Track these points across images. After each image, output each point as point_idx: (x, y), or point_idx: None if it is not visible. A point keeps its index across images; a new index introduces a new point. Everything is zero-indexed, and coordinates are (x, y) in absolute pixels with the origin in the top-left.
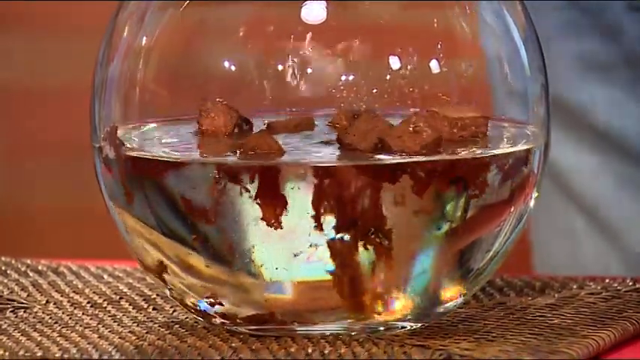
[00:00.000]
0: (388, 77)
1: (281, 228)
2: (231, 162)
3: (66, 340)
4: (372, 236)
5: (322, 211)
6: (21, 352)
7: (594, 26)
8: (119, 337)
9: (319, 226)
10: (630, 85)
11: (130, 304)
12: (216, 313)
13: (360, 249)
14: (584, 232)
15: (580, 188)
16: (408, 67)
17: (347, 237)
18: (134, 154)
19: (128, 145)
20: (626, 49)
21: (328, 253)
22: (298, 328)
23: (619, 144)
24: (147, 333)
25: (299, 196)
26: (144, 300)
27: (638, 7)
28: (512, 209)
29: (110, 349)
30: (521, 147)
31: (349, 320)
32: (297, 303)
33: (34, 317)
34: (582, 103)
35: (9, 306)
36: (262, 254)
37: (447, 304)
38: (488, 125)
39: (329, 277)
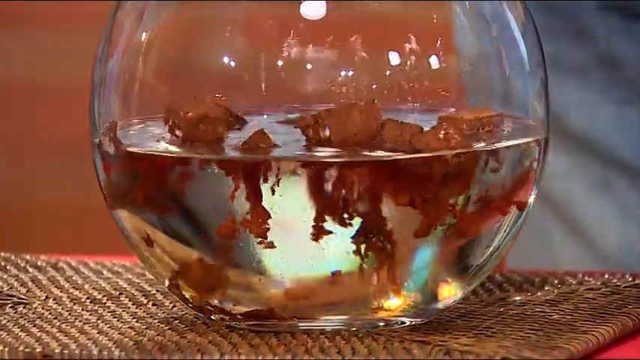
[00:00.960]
0: (388, 73)
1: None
2: (233, 157)
3: (65, 336)
4: (372, 233)
5: (322, 207)
6: (20, 348)
7: (566, 27)
8: (119, 333)
9: (319, 223)
10: (604, 88)
11: (129, 300)
12: (215, 307)
13: (360, 245)
14: (559, 234)
15: (554, 191)
16: (408, 62)
17: (346, 232)
18: (134, 149)
19: (127, 141)
20: (599, 50)
21: (328, 249)
22: (298, 324)
23: (593, 147)
24: (146, 329)
25: (299, 192)
26: (143, 296)
27: (609, 7)
28: (512, 205)
29: (110, 345)
30: (520, 142)
31: (349, 316)
32: (297, 299)
33: (33, 313)
34: (556, 106)
35: (8, 302)
36: (262, 250)
37: (447, 300)
38: (503, 122)
39: (329, 272)
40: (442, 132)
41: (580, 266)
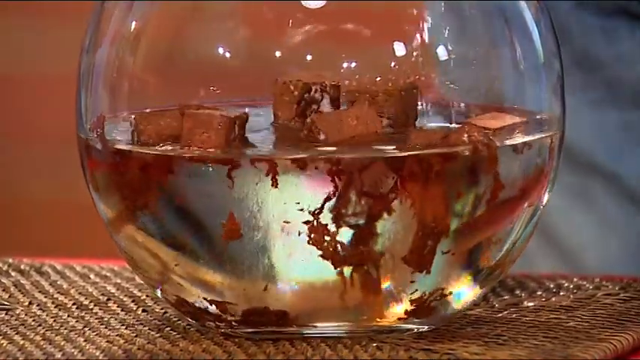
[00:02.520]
0: (393, 64)
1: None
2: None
3: (50, 344)
4: (378, 234)
5: (327, 207)
6: (2, 357)
7: None
8: (106, 341)
9: (321, 223)
10: (581, 90)
11: (118, 306)
12: (211, 313)
13: (366, 246)
14: (535, 246)
15: None
16: (414, 53)
17: (351, 233)
18: (123, 146)
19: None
20: (575, 50)
21: (331, 251)
22: (298, 331)
23: (569, 152)
24: (136, 336)
25: (299, 191)
26: (133, 301)
27: (585, 6)
28: (525, 204)
29: (97, 354)
30: (534, 138)
31: (352, 322)
32: (297, 303)
33: (16, 319)
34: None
35: None
36: (262, 253)
37: (456, 306)
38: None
39: (331, 276)
40: (466, 134)
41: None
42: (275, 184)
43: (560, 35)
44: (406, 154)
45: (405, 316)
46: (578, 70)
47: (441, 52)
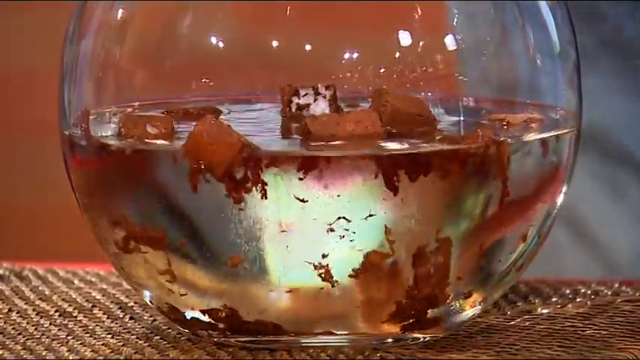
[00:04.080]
0: (397, 55)
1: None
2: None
3: (31, 354)
4: (385, 236)
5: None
6: None
7: (574, 7)
8: (91, 351)
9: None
10: (611, 76)
11: (103, 313)
12: (203, 321)
13: (370, 250)
14: (566, 241)
15: None
16: (420, 43)
17: (355, 236)
18: (109, 141)
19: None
20: (607, 34)
21: (334, 257)
22: (296, 340)
23: (601, 143)
24: (123, 346)
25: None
26: (119, 308)
27: None
28: (538, 205)
29: None
30: (549, 134)
31: (354, 331)
32: (296, 311)
33: None
34: None
35: None
36: (259, 259)
37: (465, 313)
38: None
39: (333, 282)
40: (480, 136)
41: (585, 273)
42: (265, 195)
43: (593, 17)
44: (407, 152)
45: (411, 325)
46: (609, 55)
47: (449, 42)
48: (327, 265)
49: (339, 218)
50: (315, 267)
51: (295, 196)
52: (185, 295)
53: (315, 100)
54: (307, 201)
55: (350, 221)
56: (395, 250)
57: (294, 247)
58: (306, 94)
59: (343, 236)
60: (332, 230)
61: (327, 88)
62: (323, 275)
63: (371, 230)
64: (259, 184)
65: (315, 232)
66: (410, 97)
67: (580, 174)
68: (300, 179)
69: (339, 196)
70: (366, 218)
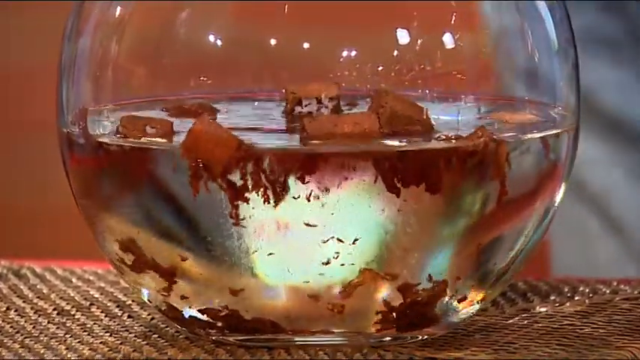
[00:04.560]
0: (395, 53)
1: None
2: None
3: (29, 352)
4: (384, 239)
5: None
6: None
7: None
8: (89, 349)
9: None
10: (630, 63)
11: (101, 311)
12: (201, 319)
13: (366, 247)
14: (597, 231)
15: (588, 182)
16: (419, 41)
17: (352, 232)
18: (107, 140)
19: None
20: (629, 20)
21: (332, 253)
22: (294, 338)
23: (629, 131)
24: (121, 344)
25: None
26: (117, 306)
27: None
28: (537, 203)
29: None
30: (546, 133)
31: (351, 329)
32: (293, 309)
33: None
34: (587, 85)
35: None
36: (259, 255)
37: (463, 311)
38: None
39: (330, 279)
40: (478, 135)
41: (618, 266)
42: (267, 200)
43: (616, 5)
44: (404, 149)
45: (409, 323)
46: (630, 42)
47: (447, 40)
48: (327, 264)
49: (339, 219)
50: (315, 267)
51: (294, 196)
52: (186, 297)
53: (317, 110)
54: (306, 201)
55: (350, 222)
56: (395, 253)
57: (293, 247)
58: (308, 104)
59: (342, 239)
60: (332, 231)
61: (330, 99)
62: (322, 275)
63: (371, 232)
64: (258, 184)
65: (314, 233)
66: (410, 101)
67: (610, 162)
68: (298, 178)
69: (338, 195)
70: (365, 219)
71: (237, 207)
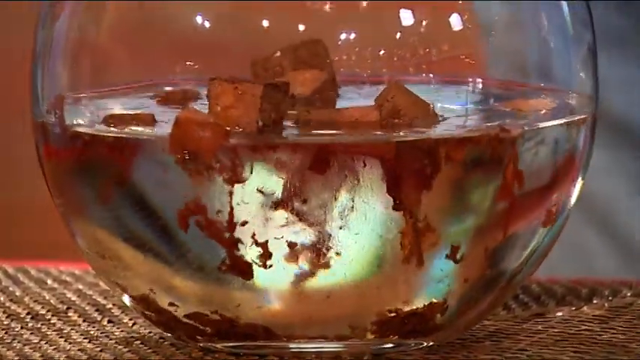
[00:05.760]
0: (398, 36)
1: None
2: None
3: None
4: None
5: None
6: None
7: None
8: (66, 357)
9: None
10: None
11: (79, 316)
12: (187, 324)
13: (366, 248)
14: (595, 242)
15: (589, 191)
16: (423, 23)
17: (352, 230)
18: (86, 129)
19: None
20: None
21: (331, 253)
22: (288, 345)
23: (629, 134)
24: (101, 351)
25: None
26: (97, 310)
27: None
28: (552, 198)
29: None
30: (562, 121)
31: (350, 335)
32: (289, 314)
33: None
34: None
35: None
36: (249, 255)
37: (472, 316)
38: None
39: (329, 281)
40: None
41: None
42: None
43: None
44: (412, 139)
45: (413, 329)
46: (638, 38)
47: (455, 22)
48: (323, 263)
49: (339, 213)
50: (310, 266)
51: (288, 190)
52: (172, 304)
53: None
54: (302, 194)
55: (351, 217)
56: (405, 247)
57: (288, 245)
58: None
59: (341, 239)
60: (331, 230)
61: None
62: (319, 277)
63: (371, 232)
64: (246, 174)
65: (311, 232)
66: (415, 99)
67: (613, 170)
68: (292, 169)
69: (336, 188)
70: (365, 218)
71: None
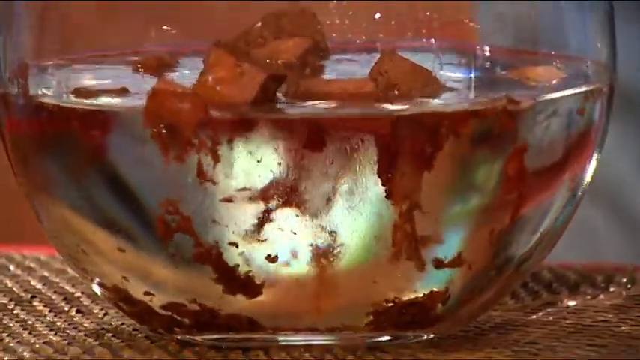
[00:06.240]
0: None
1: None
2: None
3: None
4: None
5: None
6: None
7: None
8: (31, 350)
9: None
10: None
11: (45, 306)
12: (163, 315)
13: (364, 230)
14: (601, 223)
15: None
16: None
17: (347, 214)
18: (52, 100)
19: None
20: None
21: (323, 238)
22: (275, 338)
23: (637, 113)
24: (69, 344)
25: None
26: (64, 300)
27: None
28: (565, 176)
29: None
30: (575, 91)
31: (343, 327)
32: (275, 304)
33: None
34: None
35: None
36: (232, 237)
37: (477, 305)
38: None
39: (317, 268)
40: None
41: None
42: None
43: None
44: (404, 113)
45: (412, 320)
46: None
47: None
48: (314, 249)
49: (333, 196)
50: (300, 251)
51: (274, 165)
52: (148, 293)
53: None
54: (290, 171)
55: (346, 199)
56: (399, 233)
57: (273, 229)
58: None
59: (333, 221)
60: (322, 213)
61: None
62: (308, 261)
63: (371, 213)
64: (229, 149)
65: (301, 215)
66: (415, 69)
67: (620, 148)
68: (281, 146)
69: (328, 166)
70: (363, 193)
71: (205, 179)
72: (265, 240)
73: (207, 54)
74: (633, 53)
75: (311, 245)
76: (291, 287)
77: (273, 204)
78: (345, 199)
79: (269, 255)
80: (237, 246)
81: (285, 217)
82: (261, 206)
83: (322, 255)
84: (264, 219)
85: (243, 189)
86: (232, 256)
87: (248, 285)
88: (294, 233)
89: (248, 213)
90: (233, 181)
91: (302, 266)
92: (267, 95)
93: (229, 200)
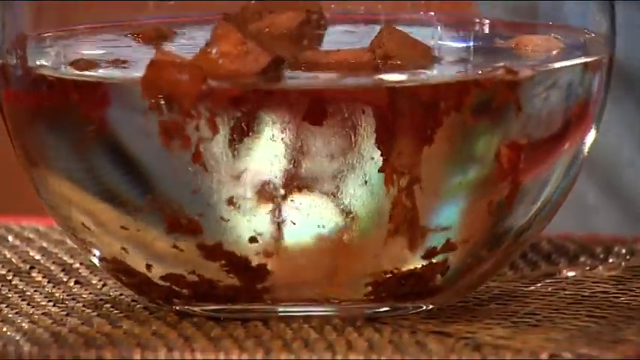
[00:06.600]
0: None
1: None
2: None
3: None
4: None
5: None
6: None
7: None
8: (30, 321)
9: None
10: None
11: (43, 277)
12: (162, 285)
13: (363, 201)
14: (594, 198)
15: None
16: None
17: (346, 184)
18: (50, 72)
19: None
20: None
21: (320, 207)
22: (274, 309)
23: (634, 86)
24: (67, 315)
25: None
26: (63, 271)
27: None
28: (564, 147)
29: (18, 338)
30: (575, 62)
31: (342, 298)
32: (274, 275)
33: None
34: None
35: None
36: (230, 208)
37: (475, 276)
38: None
39: (319, 238)
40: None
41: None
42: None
43: None
44: (401, 84)
45: (411, 291)
46: None
47: None
48: (312, 219)
49: (334, 167)
50: (300, 225)
51: (273, 137)
52: (147, 264)
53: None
54: (291, 144)
55: (346, 171)
56: (398, 205)
57: (274, 203)
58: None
59: (332, 190)
60: (321, 182)
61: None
62: (308, 235)
63: (372, 183)
64: (230, 122)
65: (301, 181)
66: (413, 43)
67: (614, 121)
68: (281, 118)
69: (329, 138)
70: (363, 166)
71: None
72: (266, 214)
73: (215, 26)
74: (632, 29)
75: (311, 219)
76: (290, 260)
77: (272, 178)
78: (346, 173)
79: (268, 229)
80: (232, 221)
81: (286, 191)
82: (261, 179)
83: (322, 228)
84: (264, 193)
85: (243, 164)
86: (234, 233)
87: (251, 267)
88: (297, 209)
89: (248, 186)
90: (234, 159)
91: (302, 240)
92: (271, 75)
93: (230, 176)
